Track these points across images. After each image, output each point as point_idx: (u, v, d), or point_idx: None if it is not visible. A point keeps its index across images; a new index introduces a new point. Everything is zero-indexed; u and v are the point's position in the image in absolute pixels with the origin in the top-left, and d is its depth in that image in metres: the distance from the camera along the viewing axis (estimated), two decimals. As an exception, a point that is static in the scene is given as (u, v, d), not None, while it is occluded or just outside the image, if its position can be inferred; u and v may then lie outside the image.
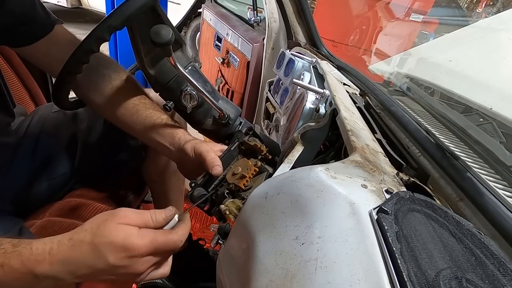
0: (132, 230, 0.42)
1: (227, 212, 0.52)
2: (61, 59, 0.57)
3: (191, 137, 0.66)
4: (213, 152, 0.60)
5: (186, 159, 0.63)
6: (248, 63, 1.61)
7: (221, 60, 1.87)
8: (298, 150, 0.61)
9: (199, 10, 1.34)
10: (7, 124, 0.79)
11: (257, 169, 0.58)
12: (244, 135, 0.65)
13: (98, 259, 0.41)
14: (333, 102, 0.65)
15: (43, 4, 0.66)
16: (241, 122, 0.75)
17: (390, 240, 0.30)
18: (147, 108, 0.68)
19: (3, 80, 0.74)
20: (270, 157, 0.64)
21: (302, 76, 0.93)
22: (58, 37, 0.68)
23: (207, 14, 2.13)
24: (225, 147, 0.64)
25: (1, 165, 0.78)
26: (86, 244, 0.41)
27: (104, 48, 1.05)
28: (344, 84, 0.86)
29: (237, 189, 0.56)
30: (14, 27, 0.62)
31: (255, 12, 1.72)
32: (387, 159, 0.49)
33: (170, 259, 0.48)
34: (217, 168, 0.58)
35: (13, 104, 0.80)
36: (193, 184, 0.58)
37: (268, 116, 1.30)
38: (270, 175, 0.59)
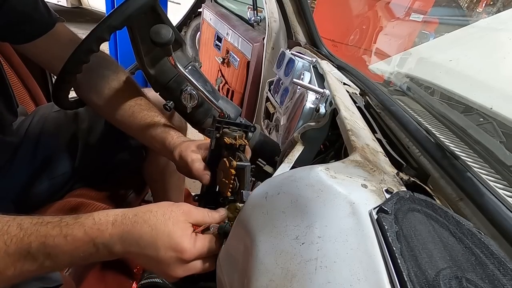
0: (189, 231, 0.44)
1: (226, 221, 0.51)
2: (62, 57, 0.57)
3: (181, 140, 0.66)
4: (197, 160, 0.60)
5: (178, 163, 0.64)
6: (248, 62, 1.61)
7: (221, 60, 1.87)
8: (298, 150, 0.61)
9: (199, 10, 1.33)
10: (10, 124, 0.79)
11: (233, 171, 0.53)
12: (215, 130, 0.60)
13: (151, 244, 0.42)
14: (333, 101, 0.65)
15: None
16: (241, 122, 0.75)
17: (390, 240, 0.30)
18: (142, 110, 0.69)
19: (7, 80, 0.75)
20: (246, 142, 0.58)
21: (302, 76, 0.93)
22: (59, 35, 0.68)
23: (207, 14, 2.13)
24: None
25: (2, 164, 0.78)
26: (147, 225, 0.42)
27: (104, 47, 1.05)
28: (344, 83, 0.86)
29: (227, 197, 0.55)
30: (16, 25, 0.63)
31: (255, 11, 1.72)
32: (387, 158, 0.49)
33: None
34: (205, 177, 0.59)
35: (17, 104, 0.80)
36: (196, 197, 0.59)
37: (268, 115, 1.30)
38: (253, 169, 0.57)
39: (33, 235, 0.40)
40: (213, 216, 0.48)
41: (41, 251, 0.40)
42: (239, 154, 0.56)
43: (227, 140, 0.57)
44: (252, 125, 0.65)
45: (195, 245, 0.43)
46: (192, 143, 0.64)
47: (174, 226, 0.43)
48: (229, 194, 0.54)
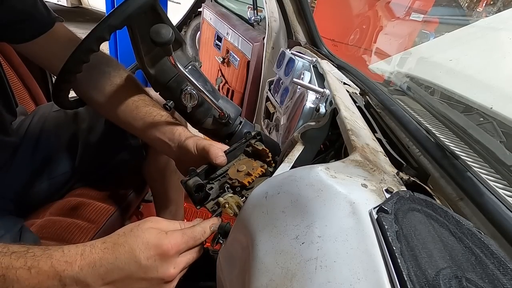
0: (162, 232, 0.43)
1: (226, 206, 0.51)
2: (61, 57, 0.57)
3: (191, 134, 0.66)
4: (215, 146, 0.60)
5: (186, 156, 0.63)
6: (248, 62, 1.61)
7: (221, 60, 1.87)
8: (298, 150, 0.61)
9: (199, 10, 1.33)
10: (10, 124, 0.79)
11: (263, 171, 0.58)
12: (252, 138, 0.64)
13: (130, 259, 0.40)
14: (333, 101, 0.65)
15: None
16: (241, 122, 0.75)
17: (390, 240, 0.30)
18: (146, 104, 0.68)
19: (6, 79, 0.75)
20: (273, 164, 0.64)
21: (302, 76, 0.93)
22: (58, 35, 0.68)
23: (207, 14, 2.13)
24: (226, 146, 0.64)
25: (2, 164, 0.78)
26: (119, 245, 0.41)
27: (104, 47, 1.05)
28: (344, 83, 0.86)
29: (240, 186, 0.56)
30: (16, 24, 0.63)
31: (255, 11, 1.72)
32: (387, 158, 0.49)
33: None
34: (221, 158, 0.58)
35: (16, 104, 0.80)
36: (192, 172, 0.56)
37: (268, 115, 1.30)
38: (271, 175, 0.59)
39: None
40: (185, 225, 0.47)
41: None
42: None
43: (265, 149, 0.62)
44: (252, 124, 0.65)
45: (174, 237, 0.43)
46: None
47: (145, 233, 0.42)
48: (247, 183, 0.56)
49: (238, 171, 0.58)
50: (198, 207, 0.58)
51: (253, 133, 0.65)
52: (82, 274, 0.39)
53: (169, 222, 0.46)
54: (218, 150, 0.58)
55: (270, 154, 0.62)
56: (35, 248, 0.40)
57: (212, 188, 0.59)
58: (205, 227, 0.47)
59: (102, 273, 0.40)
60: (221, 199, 0.53)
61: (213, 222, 0.49)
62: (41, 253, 0.40)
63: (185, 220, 1.27)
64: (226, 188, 0.57)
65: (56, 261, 0.39)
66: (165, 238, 0.42)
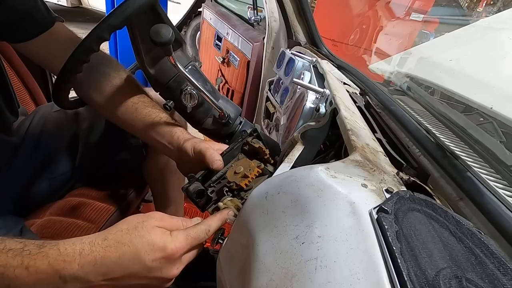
0: (167, 232, 0.43)
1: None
2: (61, 56, 0.57)
3: (190, 136, 0.66)
4: (212, 149, 0.60)
5: (185, 158, 0.63)
6: (248, 62, 1.61)
7: (221, 60, 1.86)
8: (298, 150, 0.61)
9: (199, 10, 1.33)
10: (12, 124, 0.80)
11: (260, 171, 0.58)
12: (249, 135, 0.64)
13: (134, 260, 0.40)
14: (333, 101, 0.64)
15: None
16: (241, 122, 0.75)
17: (390, 240, 0.30)
18: (146, 106, 0.68)
19: (8, 80, 0.75)
20: (272, 161, 0.64)
21: (302, 76, 0.93)
22: (58, 34, 0.68)
23: (207, 14, 2.13)
24: (225, 146, 0.64)
25: (2, 164, 0.78)
26: (123, 244, 0.40)
27: (104, 47, 1.05)
28: (344, 83, 0.86)
29: (238, 188, 0.56)
30: (16, 23, 0.63)
31: (255, 11, 1.72)
32: (387, 158, 0.49)
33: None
34: (217, 162, 0.58)
35: (18, 104, 0.80)
36: (191, 178, 0.57)
37: (268, 115, 1.30)
38: (271, 175, 0.59)
39: None
40: (187, 224, 0.47)
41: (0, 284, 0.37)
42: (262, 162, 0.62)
43: (261, 146, 0.61)
44: (252, 125, 0.65)
45: (178, 240, 0.43)
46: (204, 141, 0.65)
47: (151, 233, 0.42)
48: (244, 186, 0.56)
49: (235, 173, 0.57)
50: (202, 211, 0.58)
51: (249, 131, 0.65)
52: (82, 271, 0.39)
53: (172, 219, 0.46)
54: (214, 155, 0.58)
55: (267, 151, 0.62)
56: (30, 244, 0.40)
57: (213, 191, 0.59)
58: (209, 225, 0.47)
59: (104, 271, 0.40)
60: (220, 204, 0.53)
61: (223, 217, 0.49)
62: (36, 251, 0.39)
63: (185, 220, 1.27)
64: (225, 192, 0.57)
65: (54, 260, 0.39)
66: (171, 241, 0.42)
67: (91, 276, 0.39)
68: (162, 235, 0.42)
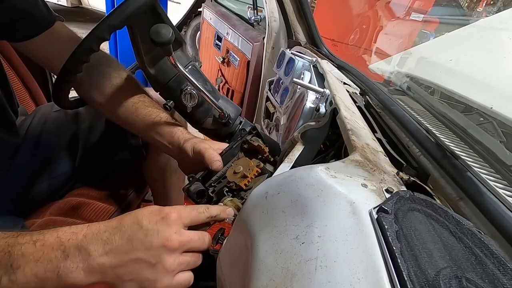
0: (167, 207, 0.43)
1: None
2: (61, 56, 0.57)
3: (190, 136, 0.66)
4: (212, 149, 0.60)
5: (186, 158, 0.63)
6: (248, 62, 1.61)
7: (221, 60, 1.87)
8: (298, 150, 0.61)
9: (199, 9, 1.33)
10: (14, 123, 0.80)
11: (259, 170, 0.58)
12: (248, 134, 0.64)
13: (133, 223, 0.41)
14: (333, 101, 0.64)
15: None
16: (241, 122, 0.75)
17: (390, 240, 0.30)
18: (146, 106, 0.68)
19: (7, 79, 0.75)
20: (271, 159, 0.64)
21: (302, 76, 0.93)
22: (58, 34, 0.68)
23: (207, 13, 2.13)
24: (225, 145, 0.64)
25: (2, 164, 0.78)
26: (124, 215, 0.42)
27: (104, 47, 1.05)
28: (344, 83, 0.86)
29: (238, 188, 0.56)
30: (16, 22, 0.63)
31: (255, 11, 1.71)
32: (387, 158, 0.49)
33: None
34: (216, 163, 0.58)
35: (17, 104, 0.80)
36: (191, 178, 0.57)
37: (268, 115, 1.30)
38: (271, 175, 0.59)
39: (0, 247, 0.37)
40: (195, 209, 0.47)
41: (3, 264, 0.37)
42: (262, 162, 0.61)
43: (260, 144, 0.61)
44: (252, 124, 0.65)
45: (177, 207, 0.43)
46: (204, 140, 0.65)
47: (150, 207, 0.43)
48: (243, 186, 0.56)
49: (235, 172, 0.57)
50: None
51: (247, 129, 0.65)
52: (85, 241, 0.39)
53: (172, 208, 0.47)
54: (213, 155, 0.58)
55: (266, 149, 0.62)
56: (47, 230, 0.41)
57: (214, 191, 0.59)
58: (208, 207, 0.47)
59: (104, 239, 0.39)
60: (220, 204, 0.53)
61: (224, 208, 0.49)
62: (51, 231, 0.40)
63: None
64: (225, 192, 0.57)
65: (63, 233, 0.39)
66: (168, 206, 0.43)
67: (92, 246, 0.39)
68: (161, 207, 0.43)
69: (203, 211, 0.46)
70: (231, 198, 0.55)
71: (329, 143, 0.66)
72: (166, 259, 0.40)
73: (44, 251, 0.38)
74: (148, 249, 0.40)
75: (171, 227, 0.41)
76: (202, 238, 0.44)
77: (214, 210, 0.47)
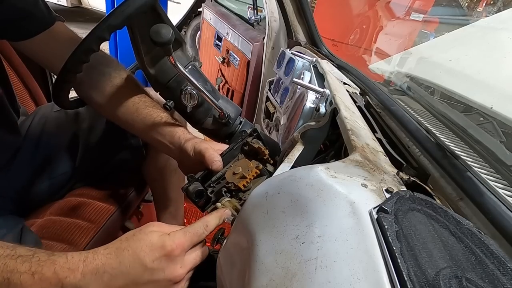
0: (165, 234, 0.42)
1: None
2: (61, 56, 0.57)
3: (191, 136, 0.66)
4: (212, 149, 0.60)
5: (186, 158, 0.63)
6: (248, 62, 1.61)
7: (221, 60, 1.87)
8: (298, 150, 0.61)
9: (199, 9, 1.33)
10: (15, 123, 0.80)
11: (258, 172, 0.57)
12: (248, 135, 0.64)
13: (134, 263, 0.39)
14: (333, 101, 0.65)
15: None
16: (241, 122, 0.75)
17: (390, 240, 0.30)
18: (146, 106, 0.68)
19: (8, 79, 0.75)
20: (271, 161, 0.64)
21: (302, 76, 0.93)
22: (58, 33, 0.68)
23: (207, 13, 2.13)
24: (225, 146, 0.64)
25: (2, 164, 0.78)
26: (122, 250, 0.40)
27: (104, 47, 1.05)
28: (344, 83, 0.86)
29: (236, 189, 0.56)
30: (16, 21, 0.63)
31: (255, 11, 1.71)
32: (387, 158, 0.49)
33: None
34: (216, 163, 0.58)
35: (18, 104, 0.80)
36: (190, 178, 0.57)
37: (268, 115, 1.30)
38: (270, 177, 0.59)
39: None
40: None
41: None
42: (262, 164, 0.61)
43: (260, 146, 0.61)
44: (252, 125, 0.65)
45: (177, 237, 0.42)
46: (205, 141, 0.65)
47: (148, 236, 0.41)
48: (242, 187, 0.55)
49: (234, 173, 0.57)
50: (202, 211, 0.58)
51: (248, 131, 0.65)
52: (84, 281, 0.38)
53: (170, 226, 0.46)
54: (213, 156, 0.58)
55: (266, 152, 0.62)
56: (41, 252, 0.40)
57: (213, 191, 0.59)
58: (207, 221, 0.47)
59: (106, 280, 0.39)
60: (218, 204, 0.53)
61: (221, 214, 0.49)
62: (46, 258, 0.39)
63: (185, 220, 1.27)
64: (224, 192, 0.57)
65: (59, 268, 0.38)
66: (169, 238, 0.42)
67: (93, 287, 0.39)
68: (160, 236, 0.42)
69: (203, 232, 0.45)
70: (229, 199, 0.55)
71: (329, 143, 0.66)
72: (175, 286, 0.42)
73: (42, 285, 0.38)
74: (156, 283, 0.41)
75: (176, 263, 0.41)
76: (203, 253, 0.46)
77: (212, 223, 0.47)
